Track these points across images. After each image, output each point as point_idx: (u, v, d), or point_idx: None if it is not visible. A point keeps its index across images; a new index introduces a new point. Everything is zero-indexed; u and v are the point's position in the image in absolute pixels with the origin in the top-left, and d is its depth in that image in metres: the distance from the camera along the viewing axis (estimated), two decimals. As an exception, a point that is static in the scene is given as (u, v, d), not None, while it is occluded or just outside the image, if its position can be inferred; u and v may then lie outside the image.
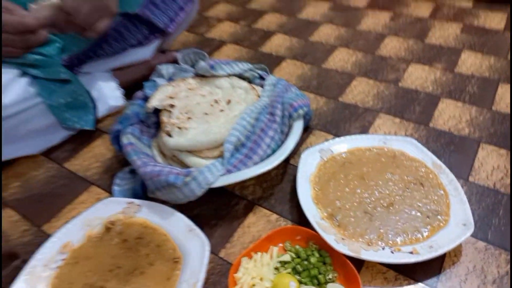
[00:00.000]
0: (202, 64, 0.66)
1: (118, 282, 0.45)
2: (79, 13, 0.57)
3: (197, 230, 0.48)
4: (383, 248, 0.45)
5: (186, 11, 0.76)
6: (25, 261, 0.46)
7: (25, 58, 0.61)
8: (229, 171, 0.52)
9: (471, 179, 0.55)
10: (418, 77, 0.76)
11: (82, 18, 0.58)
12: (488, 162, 0.58)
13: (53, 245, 0.49)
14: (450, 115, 0.67)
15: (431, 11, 0.99)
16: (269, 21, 1.02)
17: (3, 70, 0.59)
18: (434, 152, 0.58)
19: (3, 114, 0.58)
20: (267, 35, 0.95)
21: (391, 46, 0.87)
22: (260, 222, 0.53)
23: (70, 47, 0.66)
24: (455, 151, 0.60)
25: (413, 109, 0.69)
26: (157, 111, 0.62)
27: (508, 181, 0.55)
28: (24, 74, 0.62)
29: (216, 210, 0.54)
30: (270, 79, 0.65)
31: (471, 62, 0.79)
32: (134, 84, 0.75)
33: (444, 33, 0.90)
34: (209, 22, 1.04)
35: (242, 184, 0.58)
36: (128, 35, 0.71)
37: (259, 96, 0.62)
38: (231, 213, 0.54)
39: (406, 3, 1.04)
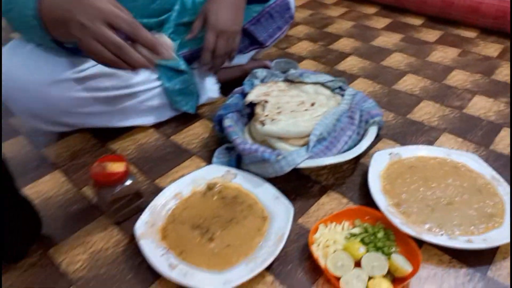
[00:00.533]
0: (293, 71, 0.79)
1: (219, 226, 0.57)
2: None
3: (283, 198, 0.59)
4: (442, 235, 0.53)
5: (282, 31, 0.90)
6: (144, 202, 0.60)
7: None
8: (311, 158, 0.63)
9: (525, 196, 0.62)
10: (482, 107, 0.84)
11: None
12: (543, 185, 0.64)
13: (169, 192, 0.62)
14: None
15: (500, 52, 1.06)
16: (344, 44, 1.14)
17: None
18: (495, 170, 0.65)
19: (134, 91, 0.74)
20: (342, 55, 1.07)
21: (458, 78, 0.95)
22: (332, 202, 0.62)
23: (187, 44, 0.81)
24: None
25: (475, 133, 0.76)
26: (251, 105, 0.75)
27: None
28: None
29: (295, 188, 0.65)
30: (349, 90, 0.77)
31: (535, 100, 0.85)
32: (228, 82, 0.89)
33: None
34: (290, 40, 1.17)
35: (318, 171, 0.68)
36: None
37: (339, 103, 0.74)
38: (308, 192, 0.64)
39: (475, 43, 1.12)
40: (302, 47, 1.13)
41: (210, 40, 0.73)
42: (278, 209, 0.58)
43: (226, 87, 0.88)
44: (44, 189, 0.67)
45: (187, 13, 0.79)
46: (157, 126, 0.81)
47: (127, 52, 0.51)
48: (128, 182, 0.58)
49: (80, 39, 0.51)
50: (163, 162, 0.72)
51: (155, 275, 0.51)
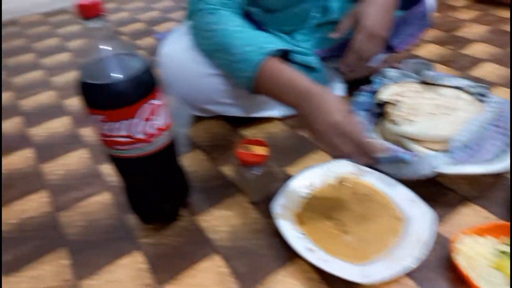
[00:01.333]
0: (429, 73, 0.77)
1: (353, 220, 0.58)
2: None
3: (421, 202, 0.58)
4: None
5: (416, 37, 0.87)
6: (280, 186, 0.64)
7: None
8: (451, 164, 0.61)
9: None
10: None
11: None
12: None
13: (301, 180, 0.65)
14: None
15: None
16: (477, 49, 1.06)
17: None
18: None
19: None
20: (476, 61, 1.00)
21: None
22: (472, 214, 0.59)
23: (322, 44, 0.84)
24: None
25: None
26: (381, 104, 0.75)
27: None
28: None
29: (430, 194, 0.63)
30: (495, 98, 0.72)
31: None
32: (352, 81, 0.90)
33: None
34: (417, 42, 1.13)
35: (455, 180, 0.65)
36: None
37: (482, 110, 0.69)
38: (444, 200, 0.62)
39: None
40: (430, 50, 1.08)
41: (360, 42, 0.73)
42: (415, 212, 0.58)
43: (350, 86, 0.89)
44: (187, 164, 0.75)
45: (330, 15, 0.81)
46: (284, 119, 0.85)
47: (363, 151, 0.51)
48: (268, 165, 0.63)
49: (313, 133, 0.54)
50: (290, 152, 0.76)
51: (290, 256, 0.55)
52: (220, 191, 0.69)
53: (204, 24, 0.66)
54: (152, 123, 0.51)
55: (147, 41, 1.33)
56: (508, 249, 0.51)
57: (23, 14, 1.72)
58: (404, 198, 0.60)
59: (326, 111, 0.51)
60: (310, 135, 0.55)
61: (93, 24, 0.45)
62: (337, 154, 0.52)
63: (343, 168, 0.67)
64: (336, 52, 0.83)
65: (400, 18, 0.85)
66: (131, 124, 0.49)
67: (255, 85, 0.61)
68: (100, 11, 0.45)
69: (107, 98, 0.47)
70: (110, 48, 0.47)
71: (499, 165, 0.60)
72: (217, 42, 0.64)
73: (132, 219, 0.64)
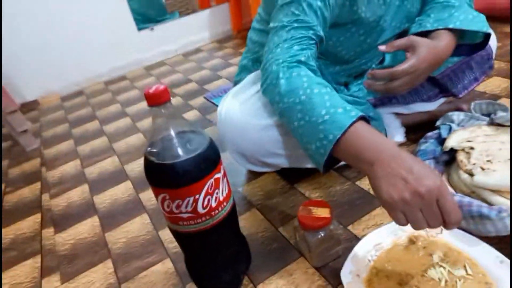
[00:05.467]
0: (501, 114, 0.70)
1: (431, 286, 0.52)
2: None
3: (510, 263, 0.51)
4: None
5: (479, 82, 0.82)
6: (344, 249, 0.59)
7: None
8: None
9: None
10: None
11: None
12: None
13: (369, 241, 0.60)
14: None
15: None
16: (549, 79, 0.97)
17: None
18: None
19: None
20: (550, 93, 0.91)
21: None
22: None
23: (374, 93, 0.81)
24: None
25: None
26: (449, 152, 0.69)
27: None
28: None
29: (520, 253, 0.55)
30: None
31: None
32: (413, 127, 0.85)
33: None
34: (474, 76, 1.06)
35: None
36: (422, 91, 0.83)
37: None
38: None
39: None
40: (495, 84, 1.00)
41: (403, 67, 0.64)
42: (505, 275, 0.50)
43: (410, 132, 0.84)
44: (245, 225, 0.74)
45: (383, 65, 0.79)
46: (340, 170, 0.82)
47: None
48: (332, 227, 0.59)
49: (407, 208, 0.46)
50: (352, 208, 0.72)
51: (365, 330, 0.50)
52: (281, 255, 0.66)
53: (286, 81, 0.60)
54: (215, 197, 0.51)
55: (199, 100, 1.39)
56: None
57: (86, 85, 1.91)
58: (490, 258, 0.53)
59: (417, 177, 0.45)
60: (386, 204, 0.47)
61: (159, 110, 0.47)
62: (416, 227, 0.46)
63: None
64: (383, 101, 0.80)
65: (461, 63, 0.80)
66: (195, 201, 0.49)
67: (337, 147, 0.54)
68: (167, 98, 0.47)
69: (172, 178, 0.48)
70: (174, 128, 0.48)
71: None
72: (302, 102, 0.58)
73: (193, 288, 0.63)
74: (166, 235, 0.76)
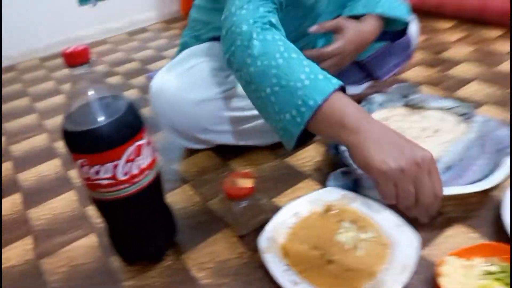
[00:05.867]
0: (414, 96, 0.77)
1: (338, 249, 0.57)
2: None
3: (406, 226, 0.57)
4: None
5: (399, 67, 0.89)
6: (266, 218, 0.63)
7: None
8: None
9: None
10: None
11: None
12: None
13: (288, 210, 0.64)
14: None
15: None
16: (464, 70, 1.06)
17: None
18: None
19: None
20: (463, 81, 1.00)
21: None
22: (460, 236, 0.58)
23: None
24: None
25: None
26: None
27: None
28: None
29: (414, 218, 0.61)
30: (479, 117, 0.71)
31: None
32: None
33: None
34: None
35: (443, 202, 0.64)
36: (349, 74, 0.88)
37: (466, 130, 0.69)
38: (431, 223, 0.60)
39: None
40: (418, 73, 1.09)
41: (332, 47, 0.69)
42: (401, 237, 0.56)
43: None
44: (175, 200, 0.75)
45: None
46: (272, 148, 0.85)
47: (435, 208, 0.45)
48: (256, 197, 0.62)
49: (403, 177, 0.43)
50: (279, 182, 0.75)
51: (277, 290, 0.53)
52: (208, 226, 0.68)
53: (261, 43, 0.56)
54: (136, 164, 0.51)
55: (140, 80, 1.36)
56: (494, 268, 0.49)
57: (21, 60, 1.78)
58: (390, 223, 0.59)
59: (412, 146, 0.44)
60: (380, 173, 0.44)
61: (78, 71, 0.46)
62: (406, 198, 0.44)
63: (330, 195, 0.66)
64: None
65: (385, 48, 0.86)
66: (114, 167, 0.49)
67: (316, 116, 0.50)
68: (86, 58, 0.46)
69: (89, 143, 0.47)
70: (94, 93, 0.48)
71: (485, 183, 0.58)
72: (278, 65, 0.53)
73: (116, 262, 0.63)
74: (93, 210, 0.75)
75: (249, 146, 0.84)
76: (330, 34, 0.74)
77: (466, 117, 0.73)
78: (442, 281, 0.49)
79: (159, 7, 2.05)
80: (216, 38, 0.82)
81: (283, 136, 0.55)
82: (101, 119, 0.47)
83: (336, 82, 0.50)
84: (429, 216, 0.46)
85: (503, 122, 0.80)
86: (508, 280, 0.48)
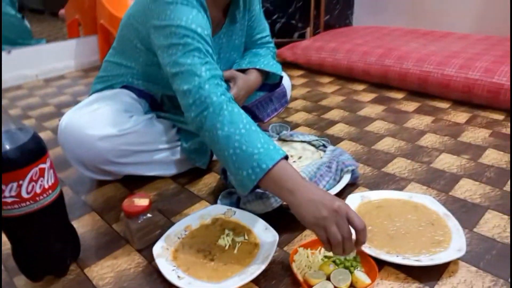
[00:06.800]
0: (285, 132, 0.98)
1: (218, 250, 0.71)
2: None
3: (271, 229, 0.74)
4: (397, 256, 0.66)
5: (278, 111, 1.13)
6: (162, 233, 0.75)
7: (181, 118, 0.97)
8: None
9: (475, 230, 0.74)
10: (446, 162, 0.99)
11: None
12: (491, 222, 0.76)
13: (180, 224, 0.77)
14: (467, 188, 0.87)
15: (467, 119, 1.24)
16: (334, 114, 1.34)
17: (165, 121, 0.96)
18: (448, 209, 0.78)
19: (161, 147, 0.93)
20: (332, 123, 1.27)
21: (429, 140, 1.12)
22: (313, 234, 0.76)
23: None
24: (465, 212, 0.80)
25: (438, 182, 0.90)
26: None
27: (505, 234, 0.72)
28: (174, 126, 0.98)
29: (282, 223, 0.79)
30: (330, 147, 0.94)
31: (493, 157, 1.00)
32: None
33: (475, 135, 1.13)
34: (289, 111, 1.39)
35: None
36: None
37: (321, 156, 0.91)
38: (293, 227, 0.78)
39: (447, 112, 1.31)
40: (299, 117, 1.34)
41: (231, 93, 0.89)
42: (267, 237, 0.73)
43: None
44: (82, 225, 0.83)
45: None
46: (175, 177, 0.99)
47: (351, 245, 0.60)
48: (150, 215, 0.74)
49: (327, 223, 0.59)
50: (178, 204, 0.88)
51: (166, 286, 0.65)
52: (110, 245, 0.77)
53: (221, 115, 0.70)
54: (39, 184, 0.61)
55: (54, 122, 1.42)
56: (331, 254, 0.68)
57: None
58: (261, 227, 0.75)
59: (329, 199, 0.60)
60: (311, 224, 0.61)
61: None
62: (335, 238, 0.59)
63: (217, 210, 0.81)
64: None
65: (266, 96, 1.09)
66: (19, 186, 0.58)
67: (265, 176, 0.65)
68: None
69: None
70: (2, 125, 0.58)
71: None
72: (241, 134, 0.68)
73: (20, 280, 0.69)
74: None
75: (153, 176, 0.96)
76: None
77: (322, 147, 0.96)
78: (294, 265, 0.66)
79: (78, 57, 2.14)
80: (124, 87, 0.96)
81: (239, 186, 0.70)
82: (7, 145, 0.57)
83: (282, 153, 0.67)
84: (354, 248, 0.61)
85: (351, 154, 1.05)
86: (339, 261, 0.66)
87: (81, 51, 2.14)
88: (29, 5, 2.31)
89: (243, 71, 0.98)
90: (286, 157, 0.68)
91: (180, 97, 0.76)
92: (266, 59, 1.02)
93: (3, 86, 1.88)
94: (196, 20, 0.76)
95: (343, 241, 0.59)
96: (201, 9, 0.78)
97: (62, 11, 2.36)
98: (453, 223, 0.72)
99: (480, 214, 0.79)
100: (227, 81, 0.92)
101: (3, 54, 1.88)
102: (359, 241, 0.60)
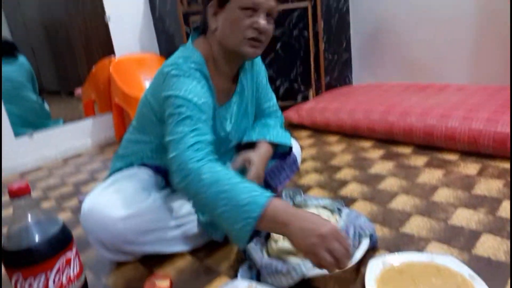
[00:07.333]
0: (299, 197, 1.00)
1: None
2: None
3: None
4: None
5: (290, 178, 1.16)
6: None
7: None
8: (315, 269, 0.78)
9: (504, 291, 0.72)
10: (464, 217, 0.98)
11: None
12: (521, 281, 0.74)
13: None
14: (490, 245, 0.86)
15: (478, 171, 1.25)
16: (345, 173, 1.36)
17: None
18: (472, 270, 0.76)
19: (179, 222, 0.95)
20: (344, 183, 1.29)
21: (443, 195, 1.12)
22: (338, 306, 0.74)
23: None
24: (491, 272, 0.78)
25: (458, 239, 0.89)
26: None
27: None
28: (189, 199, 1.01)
29: None
30: (345, 210, 0.95)
31: (511, 208, 1.00)
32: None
33: (488, 187, 1.13)
34: (300, 173, 1.42)
35: (325, 281, 0.82)
36: None
37: (337, 221, 0.92)
38: (317, 299, 0.77)
39: (457, 164, 1.32)
40: (311, 178, 1.36)
41: (253, 174, 0.94)
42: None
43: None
44: (103, 310, 0.83)
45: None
46: (193, 251, 0.99)
47: (345, 262, 0.69)
48: (172, 296, 0.74)
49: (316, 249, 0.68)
50: (198, 282, 0.88)
51: None
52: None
53: (201, 179, 0.76)
54: (66, 274, 0.63)
55: (73, 202, 1.46)
56: None
57: None
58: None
59: (318, 225, 0.69)
60: (306, 251, 0.69)
61: (19, 201, 0.61)
62: (325, 261, 0.67)
63: (239, 285, 0.80)
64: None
65: (277, 165, 1.13)
66: (46, 278, 0.60)
67: (259, 221, 0.71)
68: (26, 191, 0.62)
69: (25, 257, 0.59)
70: (30, 217, 0.62)
71: (349, 264, 0.78)
72: (226, 190, 0.74)
73: None
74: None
75: (171, 254, 0.97)
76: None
77: (337, 211, 0.97)
78: None
79: (94, 134, 2.25)
80: (143, 164, 1.02)
81: (236, 240, 0.76)
82: (35, 238, 0.60)
83: (266, 194, 0.73)
84: (344, 267, 0.70)
85: (366, 214, 1.05)
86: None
87: (97, 128, 2.25)
88: (46, 87, 2.49)
89: (253, 142, 1.03)
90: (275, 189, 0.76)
91: (169, 164, 0.82)
92: (275, 130, 1.07)
93: (25, 168, 1.96)
94: (193, 90, 0.85)
95: (337, 261, 0.67)
96: (202, 79, 0.88)
97: (78, 90, 2.53)
98: (480, 285, 0.71)
99: (507, 273, 0.77)
100: (245, 164, 0.98)
101: (26, 138, 1.99)
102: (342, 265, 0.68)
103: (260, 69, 1.09)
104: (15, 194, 0.60)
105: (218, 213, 0.74)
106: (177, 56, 0.92)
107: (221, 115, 0.99)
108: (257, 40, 0.88)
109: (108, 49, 2.34)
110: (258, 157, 0.99)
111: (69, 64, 2.52)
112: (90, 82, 2.41)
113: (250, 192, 0.73)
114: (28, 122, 2.11)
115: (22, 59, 2.12)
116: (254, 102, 1.08)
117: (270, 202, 0.72)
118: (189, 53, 0.92)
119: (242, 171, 0.98)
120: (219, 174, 0.76)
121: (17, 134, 1.96)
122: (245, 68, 1.03)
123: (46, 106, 2.35)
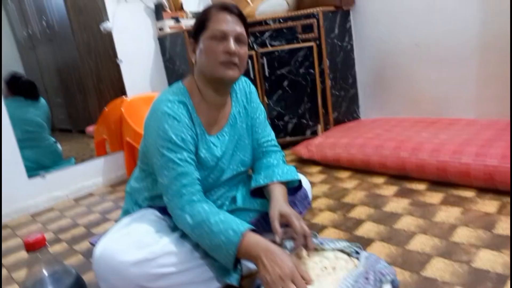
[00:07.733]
0: (314, 240, 0.98)
1: None
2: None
3: None
4: None
5: (303, 214, 1.14)
6: None
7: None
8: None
9: None
10: (488, 259, 0.95)
11: None
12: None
13: None
14: (518, 290, 0.82)
15: (498, 208, 1.22)
16: (360, 211, 1.34)
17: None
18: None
19: (190, 265, 0.93)
20: (359, 222, 1.26)
21: (463, 234, 1.09)
22: None
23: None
24: (524, 319, 0.74)
25: (485, 285, 0.86)
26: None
27: None
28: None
29: None
30: (364, 253, 0.93)
31: (536, 249, 0.96)
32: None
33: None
34: (313, 211, 1.40)
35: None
36: (269, 223, 1.09)
37: (356, 266, 0.89)
38: None
39: (474, 201, 1.29)
40: (324, 217, 1.34)
41: (302, 228, 0.92)
42: None
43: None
44: None
45: (236, 204, 1.08)
46: (207, 297, 0.96)
47: None
48: None
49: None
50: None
51: None
52: None
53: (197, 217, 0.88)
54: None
55: (84, 245, 1.44)
56: None
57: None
58: None
59: (278, 265, 0.79)
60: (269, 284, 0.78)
61: (35, 254, 0.60)
62: None
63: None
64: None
65: (289, 201, 1.11)
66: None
67: (238, 255, 0.85)
68: (42, 244, 0.61)
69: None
70: (47, 270, 0.61)
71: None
72: (207, 232, 0.87)
73: None
74: None
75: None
76: (243, 187, 1.10)
77: (355, 254, 0.94)
78: None
79: (106, 173, 2.26)
80: (151, 206, 1.02)
81: (225, 271, 0.92)
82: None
83: (239, 230, 0.85)
84: None
85: (384, 256, 1.02)
86: None
87: (109, 167, 2.27)
88: (58, 126, 2.54)
89: (262, 187, 1.03)
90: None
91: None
92: (280, 169, 1.07)
93: (37, 209, 1.96)
94: (172, 126, 0.92)
95: None
96: (184, 110, 0.95)
97: (89, 128, 2.57)
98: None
99: (540, 321, 0.73)
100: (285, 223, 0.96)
101: (38, 179, 2.00)
102: None
103: (257, 106, 1.12)
104: (32, 248, 0.60)
105: (207, 249, 0.90)
106: (163, 93, 1.00)
107: (212, 142, 1.02)
108: (231, 62, 0.94)
109: (119, 89, 2.40)
110: (283, 204, 0.97)
111: (80, 104, 2.59)
112: (102, 122, 2.45)
113: (226, 230, 0.85)
114: (42, 165, 2.13)
115: (42, 101, 2.18)
116: (250, 136, 1.10)
117: (244, 237, 0.84)
118: (174, 88, 1.00)
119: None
120: (199, 216, 0.88)
121: (30, 175, 1.97)
122: (239, 102, 1.08)
123: (59, 146, 2.39)
